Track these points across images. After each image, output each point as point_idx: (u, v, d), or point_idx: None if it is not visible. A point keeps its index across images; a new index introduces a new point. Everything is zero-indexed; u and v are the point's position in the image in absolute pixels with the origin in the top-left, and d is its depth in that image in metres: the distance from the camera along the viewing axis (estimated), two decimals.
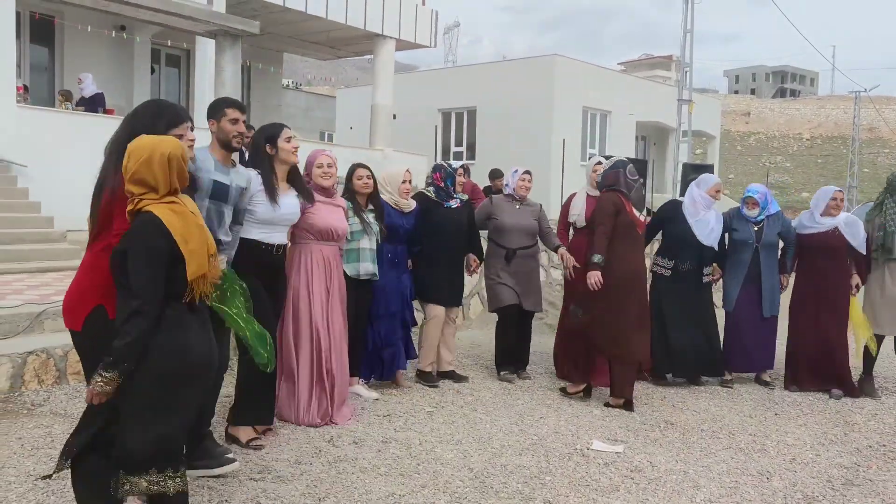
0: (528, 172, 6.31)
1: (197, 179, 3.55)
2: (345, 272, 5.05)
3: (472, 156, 21.20)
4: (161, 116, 3.09)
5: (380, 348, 5.59)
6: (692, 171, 12.43)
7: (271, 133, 4.38)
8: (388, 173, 5.74)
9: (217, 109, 4.00)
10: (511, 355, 6.36)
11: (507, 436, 4.86)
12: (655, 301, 6.35)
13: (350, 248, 5.18)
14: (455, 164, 6.39)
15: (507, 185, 6.40)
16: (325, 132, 30.42)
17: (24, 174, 9.88)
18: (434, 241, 5.83)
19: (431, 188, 6.01)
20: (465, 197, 6.22)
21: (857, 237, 6.26)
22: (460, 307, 6.34)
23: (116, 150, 2.98)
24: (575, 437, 4.92)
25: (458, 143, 22.56)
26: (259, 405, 4.38)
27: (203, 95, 12.87)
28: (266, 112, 18.06)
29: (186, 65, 15.69)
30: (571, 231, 6.54)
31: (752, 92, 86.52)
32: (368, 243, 5.24)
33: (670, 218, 6.48)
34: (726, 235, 6.54)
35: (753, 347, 6.47)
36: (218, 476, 3.88)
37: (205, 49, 12.68)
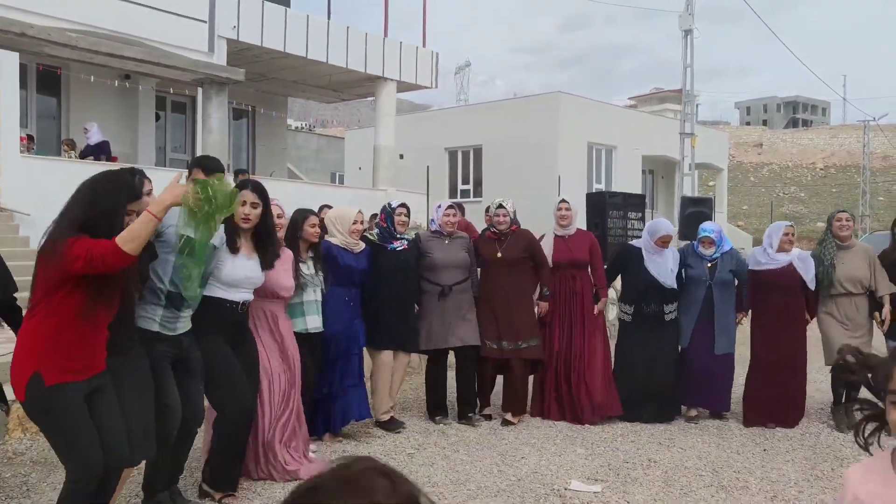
0: (452, 207, 6.14)
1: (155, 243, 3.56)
2: None
3: (478, 193, 21.31)
4: (121, 193, 3.15)
5: (332, 398, 5.37)
6: (690, 204, 12.46)
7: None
8: (338, 214, 5.60)
9: (192, 166, 4.05)
10: (444, 397, 6.24)
11: (486, 477, 4.82)
12: (619, 346, 6.53)
13: (294, 303, 4.93)
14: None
15: (432, 220, 6.26)
16: (335, 173, 30.70)
17: (26, 222, 10.06)
18: (379, 284, 5.64)
19: (376, 230, 5.92)
20: (411, 235, 6.03)
21: (808, 272, 6.27)
22: (410, 353, 6.04)
23: (67, 223, 3.04)
24: (554, 476, 4.87)
25: (465, 181, 22.69)
26: (228, 472, 4.27)
27: (211, 141, 13.10)
28: (272, 155, 18.33)
29: (192, 111, 15.97)
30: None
31: (764, 123, 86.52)
32: (313, 295, 5.08)
33: (625, 264, 6.54)
34: (683, 271, 6.50)
35: (708, 386, 6.41)
36: None
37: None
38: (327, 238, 5.42)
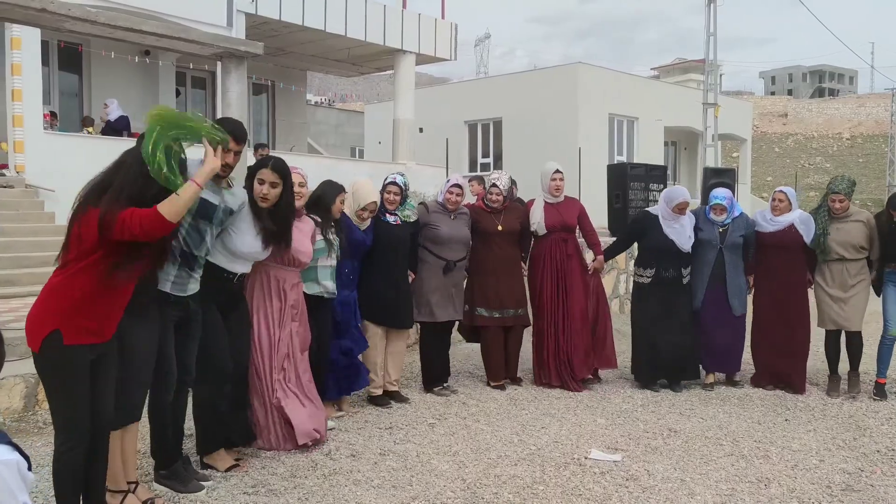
0: (457, 185, 6.10)
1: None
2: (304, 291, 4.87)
3: (499, 166, 21.21)
4: None
5: (339, 361, 5.32)
6: (713, 175, 12.31)
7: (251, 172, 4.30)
8: (356, 190, 5.43)
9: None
10: (439, 370, 6.29)
11: (506, 446, 4.86)
12: (636, 308, 6.63)
13: (309, 266, 4.88)
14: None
15: (440, 193, 6.23)
16: (355, 147, 30.73)
17: (51, 198, 10.19)
18: (374, 257, 5.59)
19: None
20: (412, 217, 5.85)
21: (809, 234, 6.36)
22: (407, 328, 5.99)
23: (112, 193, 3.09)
24: (574, 446, 4.90)
25: (485, 154, 22.61)
26: (225, 428, 4.31)
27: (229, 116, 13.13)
28: (292, 130, 18.35)
29: (212, 86, 16.02)
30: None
31: (790, 93, 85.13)
32: (329, 261, 5.06)
33: (644, 229, 6.55)
34: (694, 234, 6.54)
35: (722, 349, 6.55)
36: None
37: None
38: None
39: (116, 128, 12.48)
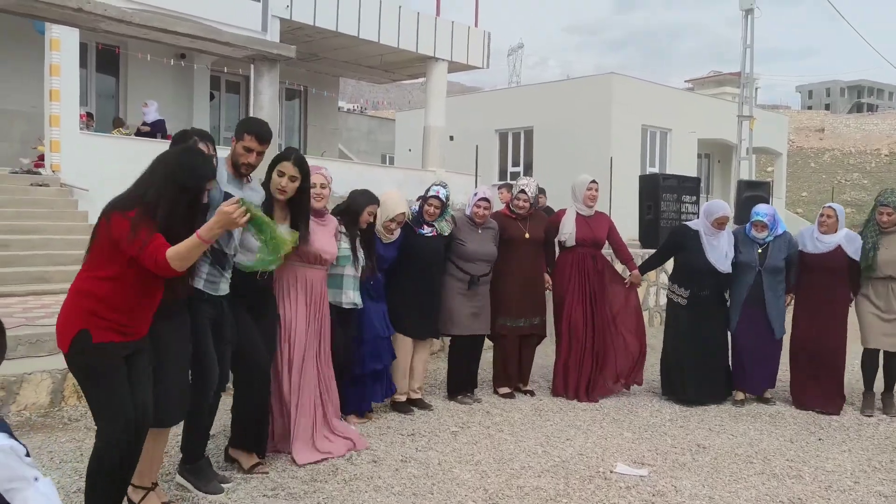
0: (485, 199, 5.99)
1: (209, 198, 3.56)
2: None
3: (528, 175, 21.04)
4: (197, 174, 3.19)
5: (362, 377, 5.29)
6: (747, 188, 12.14)
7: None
8: (385, 202, 5.32)
9: (240, 130, 3.89)
10: (465, 380, 6.22)
11: (530, 457, 4.78)
12: (669, 327, 6.52)
13: (333, 274, 4.86)
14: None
15: (468, 206, 6.14)
16: (386, 154, 30.81)
17: (85, 198, 10.32)
18: (404, 268, 5.55)
19: (414, 209, 5.81)
20: (446, 230, 5.82)
21: (856, 253, 6.19)
22: (433, 338, 5.96)
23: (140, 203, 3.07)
24: (600, 459, 4.80)
25: (515, 163, 22.51)
26: (249, 434, 4.27)
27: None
28: (323, 136, 18.43)
29: (245, 90, 16.15)
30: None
31: (827, 107, 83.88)
32: (353, 271, 4.99)
33: (681, 245, 6.43)
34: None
35: (756, 371, 6.40)
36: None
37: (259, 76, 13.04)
38: None
39: (152, 130, 12.61)
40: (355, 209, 5.02)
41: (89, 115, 12.84)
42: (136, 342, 3.20)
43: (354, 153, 27.86)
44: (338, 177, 7.57)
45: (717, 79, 57.21)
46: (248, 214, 3.04)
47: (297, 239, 3.33)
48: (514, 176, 21.89)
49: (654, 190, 11.46)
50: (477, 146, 14.29)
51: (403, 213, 5.39)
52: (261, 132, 3.87)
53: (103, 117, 13.83)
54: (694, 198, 11.83)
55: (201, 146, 3.53)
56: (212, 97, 15.60)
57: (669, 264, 6.91)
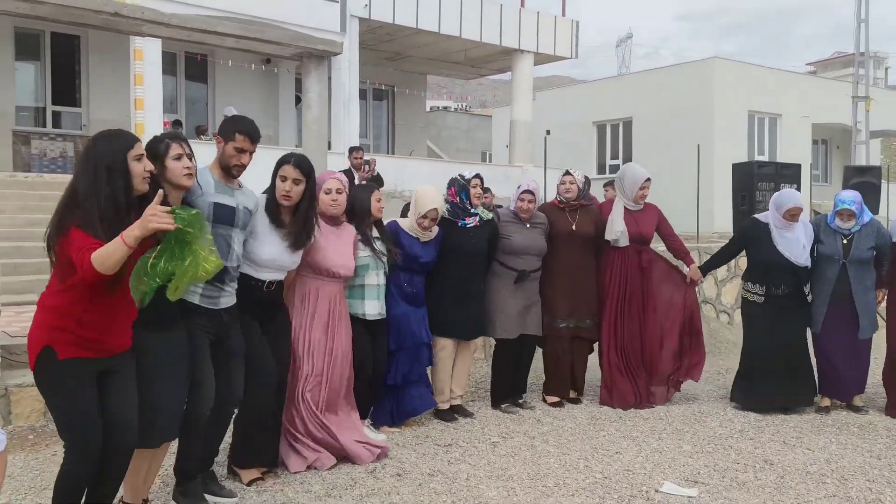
0: (528, 192, 5.58)
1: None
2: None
3: None
4: (115, 148, 2.94)
5: (397, 388, 5.00)
6: (855, 174, 11.13)
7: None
8: (419, 196, 5.02)
9: (228, 130, 3.65)
10: (511, 386, 5.80)
11: (568, 473, 4.37)
12: (749, 327, 5.94)
13: (354, 285, 4.60)
14: (468, 174, 5.45)
15: (511, 200, 5.74)
16: (485, 152, 30.59)
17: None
18: (444, 264, 5.16)
19: (447, 205, 5.35)
20: (489, 215, 5.52)
21: None
22: (476, 338, 5.57)
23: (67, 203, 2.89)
24: (647, 476, 4.33)
25: (614, 156, 21.74)
26: (257, 447, 4.06)
27: (338, 120, 13.27)
28: (411, 134, 18.36)
29: (325, 92, 16.26)
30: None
31: None
32: (376, 279, 4.71)
33: (752, 239, 5.83)
34: (814, 248, 5.79)
35: (842, 375, 5.73)
36: None
37: (339, 77, 13.07)
38: (399, 219, 5.09)
39: None
40: (361, 206, 4.73)
41: (178, 122, 13.20)
42: (111, 359, 3.02)
43: (452, 151, 27.79)
44: (426, 175, 7.43)
45: (842, 60, 53.72)
46: (174, 220, 2.72)
47: (216, 269, 2.98)
48: (614, 169, 21.13)
49: (749, 179, 10.64)
50: (545, 138, 13.59)
51: (436, 210, 5.03)
52: (253, 131, 3.67)
53: (192, 124, 14.22)
54: (795, 185, 10.90)
55: (174, 146, 3.33)
56: (297, 101, 15.78)
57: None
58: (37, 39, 13.14)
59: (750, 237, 5.88)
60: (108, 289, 2.88)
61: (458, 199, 5.33)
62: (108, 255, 2.68)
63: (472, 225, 5.34)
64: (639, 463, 4.56)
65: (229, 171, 3.64)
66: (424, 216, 4.99)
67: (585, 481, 4.23)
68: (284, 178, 3.89)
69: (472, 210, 5.35)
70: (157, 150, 3.26)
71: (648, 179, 5.88)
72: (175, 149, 3.29)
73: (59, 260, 2.89)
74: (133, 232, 2.68)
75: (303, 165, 3.93)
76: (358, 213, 4.70)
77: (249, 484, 4.02)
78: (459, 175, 5.41)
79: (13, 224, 8.99)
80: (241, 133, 3.63)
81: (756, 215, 6.10)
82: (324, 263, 4.23)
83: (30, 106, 13.39)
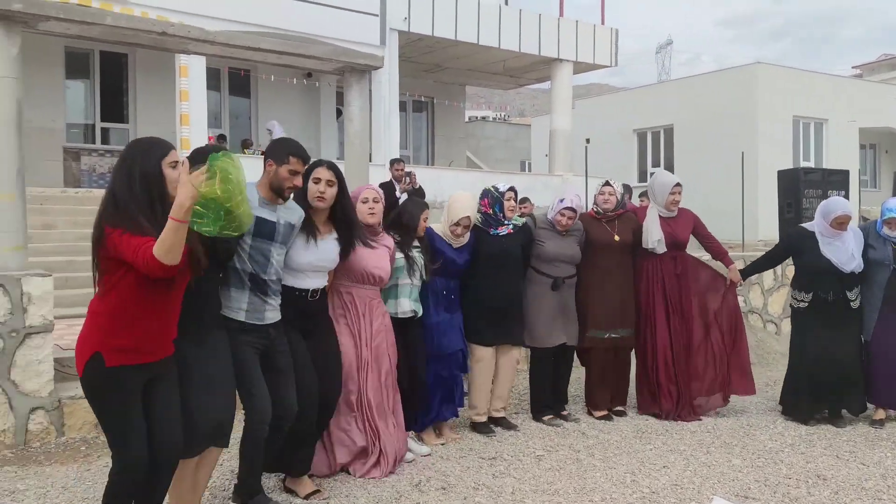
0: (570, 209, 5.47)
1: None
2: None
3: None
4: (151, 153, 3.01)
5: (430, 392, 4.99)
6: None
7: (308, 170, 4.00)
8: (452, 203, 5.05)
9: (280, 154, 3.69)
10: (553, 397, 5.74)
11: (615, 487, 4.32)
12: (796, 336, 5.82)
13: (388, 286, 4.63)
14: (502, 186, 5.40)
15: (550, 210, 5.67)
16: (525, 161, 30.51)
17: None
18: (478, 271, 5.18)
19: (479, 215, 5.35)
20: (521, 221, 5.51)
21: None
22: (516, 347, 5.45)
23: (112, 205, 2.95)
24: (696, 491, 4.26)
25: (655, 164, 21.52)
26: (299, 458, 4.06)
27: (378, 132, 13.36)
28: (450, 145, 18.41)
29: (367, 106, 16.38)
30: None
31: None
32: (408, 279, 4.72)
33: (799, 248, 5.74)
34: (865, 253, 5.66)
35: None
36: None
37: (379, 90, 13.16)
38: (432, 225, 5.11)
39: None
40: (409, 221, 4.79)
41: (222, 136, 13.42)
42: (156, 364, 3.07)
43: (491, 161, 27.75)
44: (465, 185, 7.43)
45: (889, 62, 52.48)
46: (215, 171, 2.70)
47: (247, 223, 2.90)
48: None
49: (794, 186, 10.46)
50: (586, 147, 13.50)
51: (468, 217, 5.03)
52: (304, 153, 3.75)
53: (236, 139, 14.44)
54: (843, 192, 10.68)
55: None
56: (339, 114, 15.94)
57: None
58: (86, 58, 13.48)
59: (797, 247, 5.78)
60: (152, 287, 2.94)
61: (491, 210, 5.32)
62: (166, 241, 2.68)
63: (504, 234, 5.33)
64: (687, 477, 4.49)
65: (281, 192, 3.68)
66: (457, 223, 5.02)
67: (633, 496, 4.18)
68: (318, 181, 3.93)
69: (508, 221, 5.34)
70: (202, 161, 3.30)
71: (678, 185, 5.81)
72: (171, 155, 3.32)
73: (102, 266, 2.95)
74: (183, 206, 2.66)
75: (334, 168, 4.00)
76: (405, 224, 4.76)
77: (307, 497, 4.02)
78: (493, 187, 5.39)
79: (64, 239, 9.21)
80: (294, 156, 3.68)
81: (802, 224, 5.99)
82: (360, 265, 4.26)
83: (79, 123, 13.74)
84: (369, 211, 4.38)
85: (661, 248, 5.73)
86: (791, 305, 5.90)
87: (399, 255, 4.66)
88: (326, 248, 4.00)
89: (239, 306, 3.57)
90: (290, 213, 3.81)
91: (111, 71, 13.73)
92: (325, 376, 4.05)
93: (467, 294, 5.22)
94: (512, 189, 5.35)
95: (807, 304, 5.66)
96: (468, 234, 5.15)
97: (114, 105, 13.84)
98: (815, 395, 5.65)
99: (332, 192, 3.97)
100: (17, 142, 5.17)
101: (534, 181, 14.64)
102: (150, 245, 2.73)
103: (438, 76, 16.90)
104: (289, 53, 6.23)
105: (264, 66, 13.41)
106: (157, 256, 2.70)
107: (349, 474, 4.37)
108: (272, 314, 3.70)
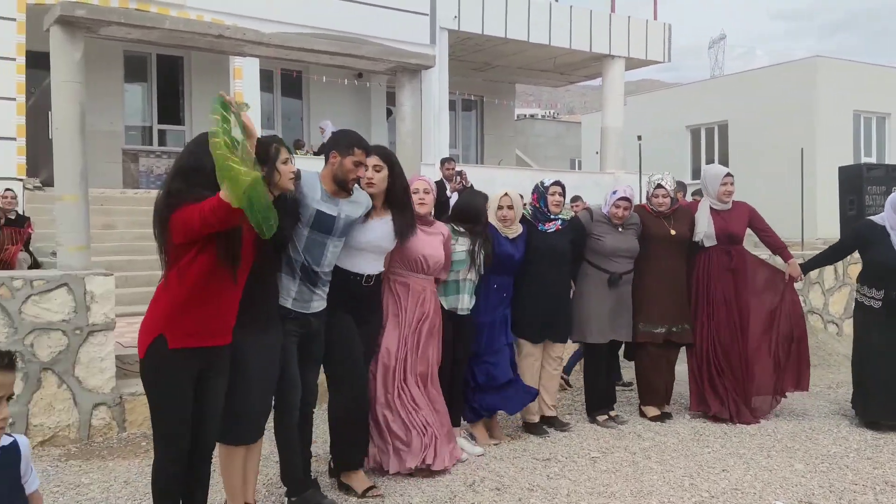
0: (625, 199, 5.41)
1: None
2: (442, 306, 4.62)
3: None
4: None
5: (485, 388, 4.96)
6: None
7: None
8: (492, 197, 5.11)
9: (345, 146, 3.75)
10: (604, 395, 5.66)
11: (673, 490, 4.24)
12: (863, 335, 5.61)
13: (449, 280, 4.66)
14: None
15: (604, 204, 5.59)
16: (575, 159, 30.26)
17: None
18: (527, 266, 5.12)
19: (529, 208, 5.35)
20: (569, 215, 5.47)
21: None
22: (560, 344, 5.41)
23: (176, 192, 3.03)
24: (757, 496, 4.16)
25: (709, 161, 21.10)
26: (343, 447, 4.10)
27: (428, 132, 13.38)
28: (500, 144, 18.35)
29: (419, 105, 16.43)
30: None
31: None
32: (470, 275, 4.73)
33: (868, 242, 5.53)
34: None
35: None
36: None
37: (429, 89, 13.17)
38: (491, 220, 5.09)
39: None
40: (476, 209, 4.81)
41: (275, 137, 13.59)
42: (213, 351, 3.12)
43: (541, 159, 27.59)
44: (515, 184, 7.40)
45: None
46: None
47: (259, 179, 2.76)
48: None
49: (857, 182, 10.12)
50: (639, 144, 13.31)
51: (507, 195, 5.02)
52: (367, 144, 3.84)
53: (288, 139, 14.61)
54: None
55: (283, 151, 3.41)
56: (389, 114, 16.01)
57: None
58: (144, 62, 13.79)
59: (866, 239, 5.59)
60: (218, 280, 3.03)
61: (538, 204, 5.31)
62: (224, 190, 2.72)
63: (552, 231, 5.28)
64: (747, 482, 4.38)
65: (345, 184, 3.76)
66: (500, 206, 5.02)
67: (691, 500, 4.10)
68: (366, 167, 3.93)
69: (555, 217, 5.29)
70: (267, 153, 3.33)
71: (729, 174, 5.70)
72: (284, 153, 3.39)
73: (172, 255, 3.01)
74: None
75: (382, 152, 4.03)
76: (475, 213, 4.81)
77: (363, 494, 4.04)
78: (540, 182, 5.39)
79: (123, 238, 9.44)
80: (359, 147, 3.77)
81: (871, 217, 5.81)
82: (415, 249, 4.28)
83: (137, 125, 14.06)
84: (419, 201, 4.41)
85: (710, 242, 5.63)
86: (859, 302, 5.71)
87: (461, 248, 4.68)
88: (383, 229, 4.03)
89: (287, 294, 3.63)
90: (355, 207, 3.85)
91: (168, 74, 14.02)
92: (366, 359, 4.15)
93: (517, 290, 5.20)
94: (557, 183, 5.30)
95: (879, 304, 5.48)
96: (519, 224, 5.13)
97: (170, 107, 14.14)
98: (882, 398, 5.45)
99: (380, 177, 3.99)
100: (80, 145, 5.30)
101: (585, 179, 14.50)
102: (213, 198, 2.79)
103: (488, 74, 16.85)
104: (341, 54, 6.27)
105: (316, 67, 13.53)
106: (223, 198, 2.74)
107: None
108: (318, 304, 3.76)
